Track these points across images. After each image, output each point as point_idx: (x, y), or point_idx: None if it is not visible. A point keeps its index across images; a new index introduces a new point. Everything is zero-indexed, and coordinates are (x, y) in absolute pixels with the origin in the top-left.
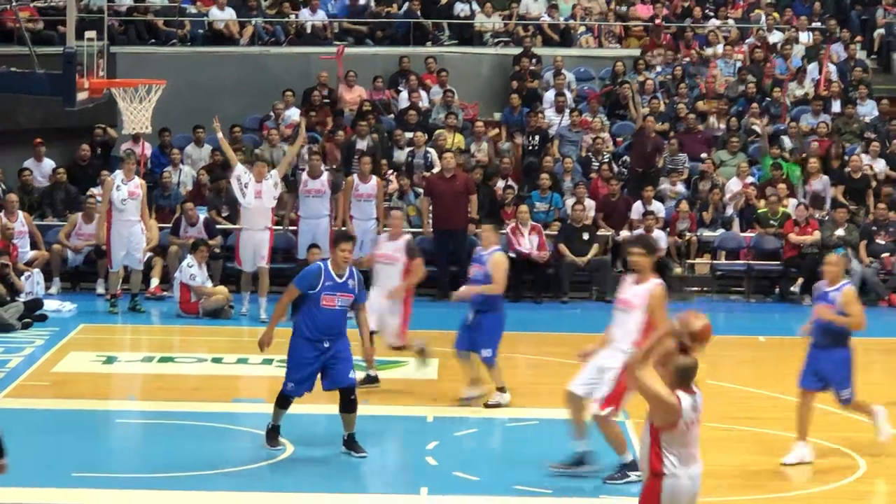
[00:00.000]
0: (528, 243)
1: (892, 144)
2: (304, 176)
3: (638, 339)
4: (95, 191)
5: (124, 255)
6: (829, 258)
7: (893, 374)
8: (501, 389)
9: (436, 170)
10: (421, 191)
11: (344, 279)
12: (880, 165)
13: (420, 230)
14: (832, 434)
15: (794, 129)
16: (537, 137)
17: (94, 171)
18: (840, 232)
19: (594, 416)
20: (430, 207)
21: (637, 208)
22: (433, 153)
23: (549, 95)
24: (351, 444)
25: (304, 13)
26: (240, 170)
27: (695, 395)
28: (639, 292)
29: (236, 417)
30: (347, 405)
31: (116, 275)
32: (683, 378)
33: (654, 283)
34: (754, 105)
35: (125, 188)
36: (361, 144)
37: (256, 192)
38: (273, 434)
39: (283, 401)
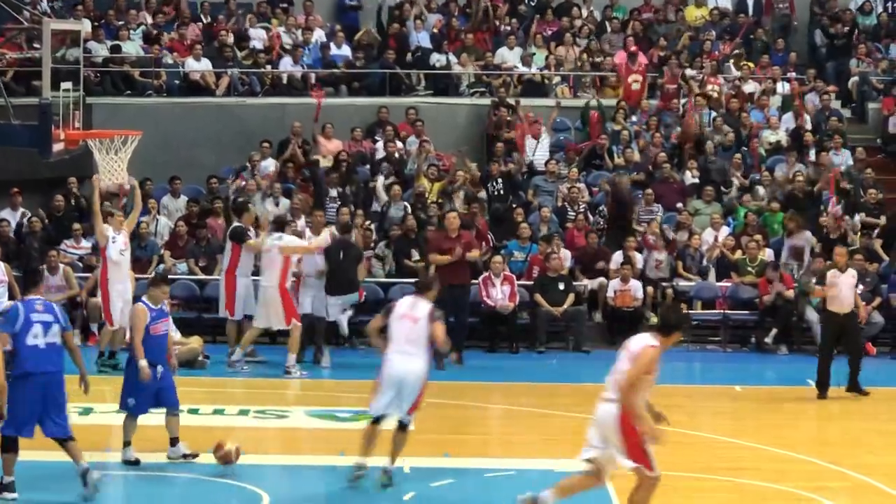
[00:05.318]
0: (500, 293)
1: (866, 194)
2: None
3: None
4: (69, 242)
5: (121, 313)
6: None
7: (872, 423)
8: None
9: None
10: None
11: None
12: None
13: (392, 280)
14: (807, 483)
15: (767, 178)
16: (500, 181)
17: (69, 222)
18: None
19: None
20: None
21: (616, 258)
22: (408, 206)
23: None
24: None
25: (284, 63)
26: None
27: None
28: None
29: (213, 468)
30: None
31: (117, 332)
32: None
33: None
34: (737, 156)
35: (120, 239)
36: (333, 193)
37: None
38: None
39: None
